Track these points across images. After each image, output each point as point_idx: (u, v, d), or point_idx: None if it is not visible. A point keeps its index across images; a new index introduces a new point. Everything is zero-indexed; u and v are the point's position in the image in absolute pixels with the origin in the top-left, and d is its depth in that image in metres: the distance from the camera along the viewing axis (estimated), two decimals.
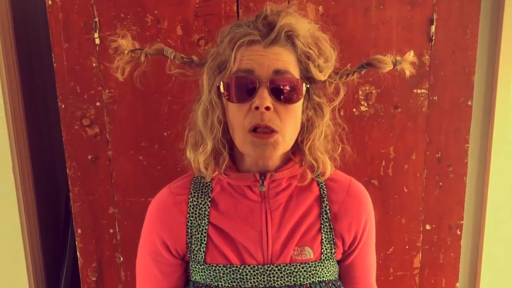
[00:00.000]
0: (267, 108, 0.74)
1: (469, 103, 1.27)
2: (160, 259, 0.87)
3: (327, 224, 0.85)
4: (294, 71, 0.77)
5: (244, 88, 0.75)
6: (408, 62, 0.85)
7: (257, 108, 0.74)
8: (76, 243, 1.31)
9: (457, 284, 1.40)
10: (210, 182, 0.87)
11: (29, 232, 1.45)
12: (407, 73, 0.86)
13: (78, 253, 1.32)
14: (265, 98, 0.74)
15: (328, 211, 0.86)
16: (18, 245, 1.42)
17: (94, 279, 1.33)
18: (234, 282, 0.81)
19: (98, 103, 1.23)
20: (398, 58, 0.84)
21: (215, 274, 0.82)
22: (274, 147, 0.76)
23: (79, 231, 1.30)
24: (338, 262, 0.90)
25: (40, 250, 1.51)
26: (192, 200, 0.86)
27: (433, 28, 1.22)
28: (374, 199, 0.92)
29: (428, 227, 1.34)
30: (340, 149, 0.87)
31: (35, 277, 1.48)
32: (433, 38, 1.22)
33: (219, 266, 0.82)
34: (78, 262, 1.33)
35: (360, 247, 0.89)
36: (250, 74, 0.75)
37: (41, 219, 1.52)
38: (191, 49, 1.19)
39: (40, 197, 1.52)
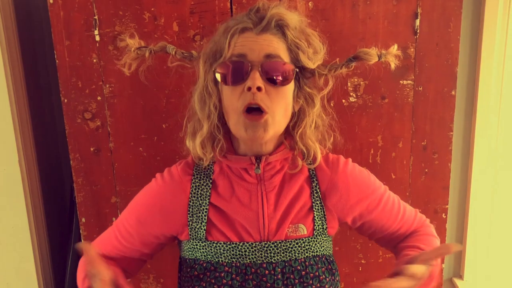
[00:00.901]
0: (259, 89, 0.79)
1: (453, 93, 1.29)
2: (145, 226, 0.91)
3: (318, 202, 0.90)
4: (284, 57, 0.82)
5: (238, 71, 0.80)
6: (392, 54, 0.90)
7: (249, 89, 0.78)
8: (81, 231, 1.35)
9: (443, 265, 1.44)
10: (211, 164, 0.91)
11: (36, 222, 1.48)
12: (392, 65, 0.91)
13: (82, 241, 1.34)
14: (256, 79, 0.78)
15: (318, 190, 0.90)
16: (25, 234, 1.45)
17: None
18: (234, 258, 0.85)
19: (99, 97, 1.26)
20: (383, 51, 0.89)
21: (215, 250, 0.86)
22: (264, 128, 0.80)
23: (83, 219, 1.33)
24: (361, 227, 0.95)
25: (46, 238, 1.54)
26: (195, 181, 0.90)
27: (417, 21, 1.24)
28: None
29: None
30: (332, 138, 0.92)
31: (42, 263, 1.51)
32: (418, 31, 1.24)
33: (220, 243, 0.86)
34: None
35: (366, 210, 0.92)
36: (242, 58, 0.80)
37: (47, 209, 1.55)
38: (187, 44, 1.22)
39: (45, 188, 1.54)
